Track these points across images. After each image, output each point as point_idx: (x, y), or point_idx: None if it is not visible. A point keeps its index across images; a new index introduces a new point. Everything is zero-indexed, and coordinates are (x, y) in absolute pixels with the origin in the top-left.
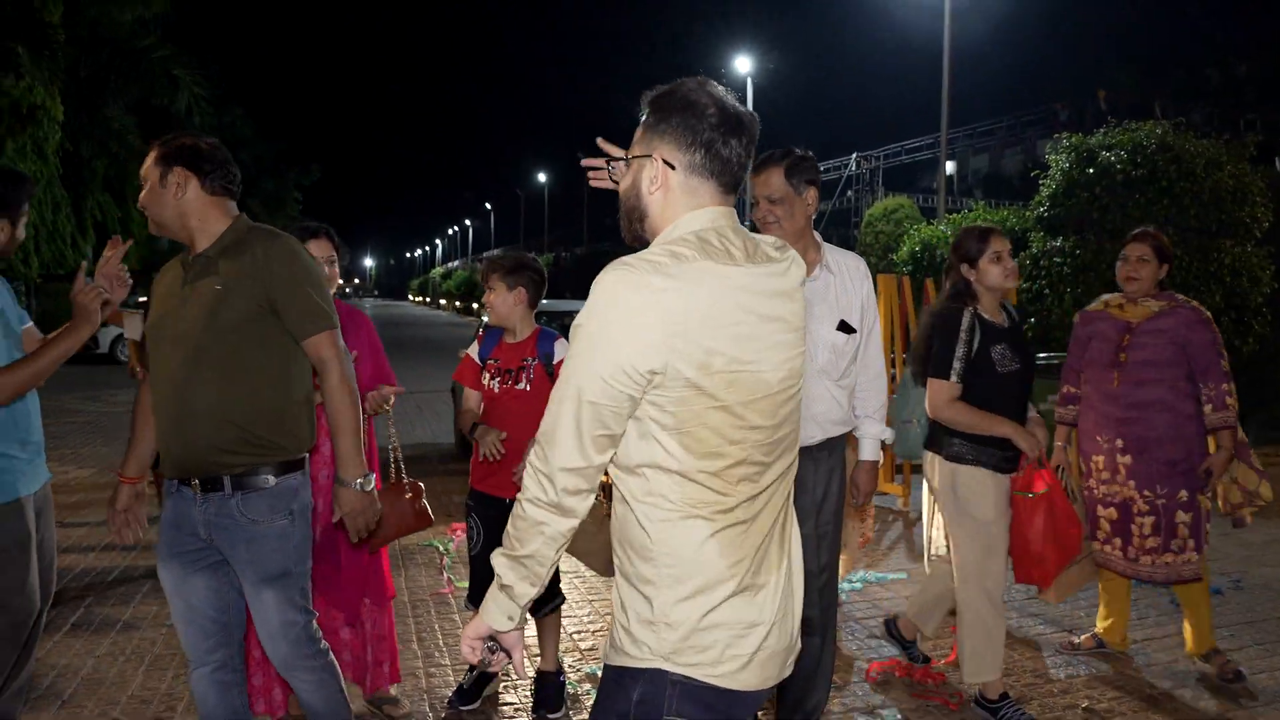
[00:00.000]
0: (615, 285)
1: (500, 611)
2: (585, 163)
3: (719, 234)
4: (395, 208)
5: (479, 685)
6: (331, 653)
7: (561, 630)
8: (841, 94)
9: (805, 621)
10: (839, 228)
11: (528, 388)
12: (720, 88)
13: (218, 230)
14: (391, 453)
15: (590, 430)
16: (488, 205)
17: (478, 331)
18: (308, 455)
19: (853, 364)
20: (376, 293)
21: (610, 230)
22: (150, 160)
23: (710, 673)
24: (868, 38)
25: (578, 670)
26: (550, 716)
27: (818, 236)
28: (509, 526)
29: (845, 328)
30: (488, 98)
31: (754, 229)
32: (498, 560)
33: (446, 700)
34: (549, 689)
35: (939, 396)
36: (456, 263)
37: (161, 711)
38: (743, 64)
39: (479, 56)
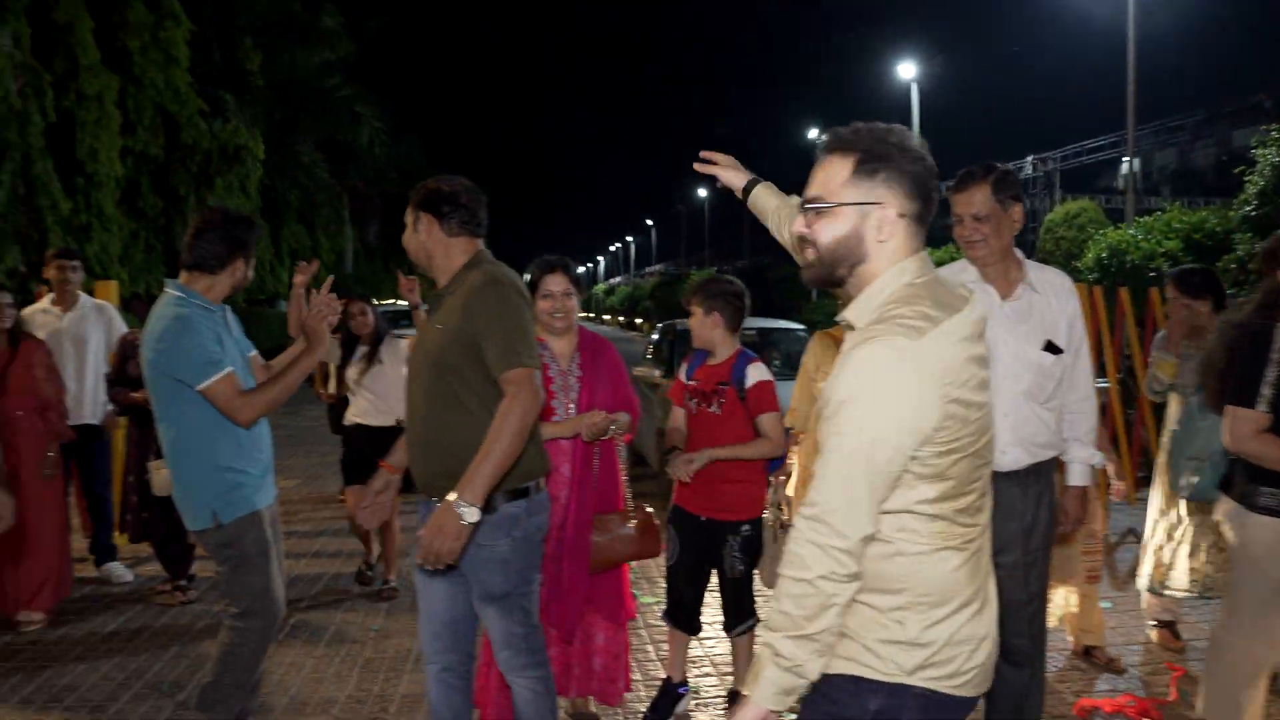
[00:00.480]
0: (884, 356)
1: (783, 692)
2: (705, 159)
3: (937, 282)
4: (560, 226)
5: (669, 703)
6: (548, 671)
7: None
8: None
9: (1013, 651)
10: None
11: (718, 411)
12: (910, 133)
13: (454, 268)
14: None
15: (879, 497)
16: (649, 221)
17: (646, 349)
18: (532, 485)
19: (1059, 386)
20: None
21: (770, 244)
22: (409, 206)
23: (949, 684)
24: (1039, 34)
25: None
26: None
27: (1019, 253)
28: (786, 607)
29: (1052, 348)
30: (650, 116)
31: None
32: (780, 643)
33: (642, 715)
34: None
35: (1242, 428)
36: (619, 278)
37: (376, 712)
38: (906, 70)
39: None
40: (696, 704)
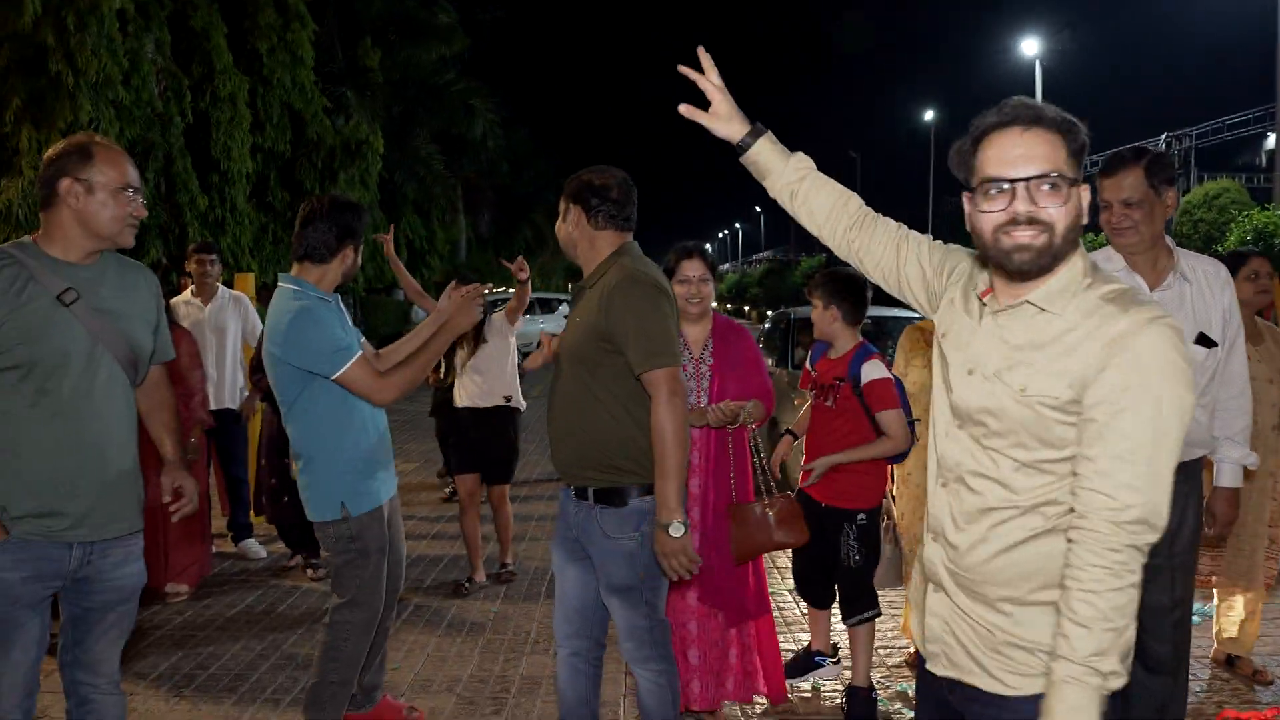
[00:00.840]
0: (1172, 337)
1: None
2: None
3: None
4: (666, 211)
5: (803, 667)
6: (671, 666)
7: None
8: (1145, 68)
9: (1154, 658)
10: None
11: (833, 405)
12: None
13: (596, 261)
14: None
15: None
16: (757, 208)
17: (759, 338)
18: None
19: (1212, 381)
20: None
21: None
22: (562, 195)
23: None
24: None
25: (887, 687)
26: None
27: (1170, 241)
28: (1116, 620)
29: (1205, 341)
30: (759, 99)
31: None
32: (1110, 663)
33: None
34: (860, 704)
35: None
36: (727, 265)
37: (498, 692)
38: (1030, 46)
39: (754, 59)
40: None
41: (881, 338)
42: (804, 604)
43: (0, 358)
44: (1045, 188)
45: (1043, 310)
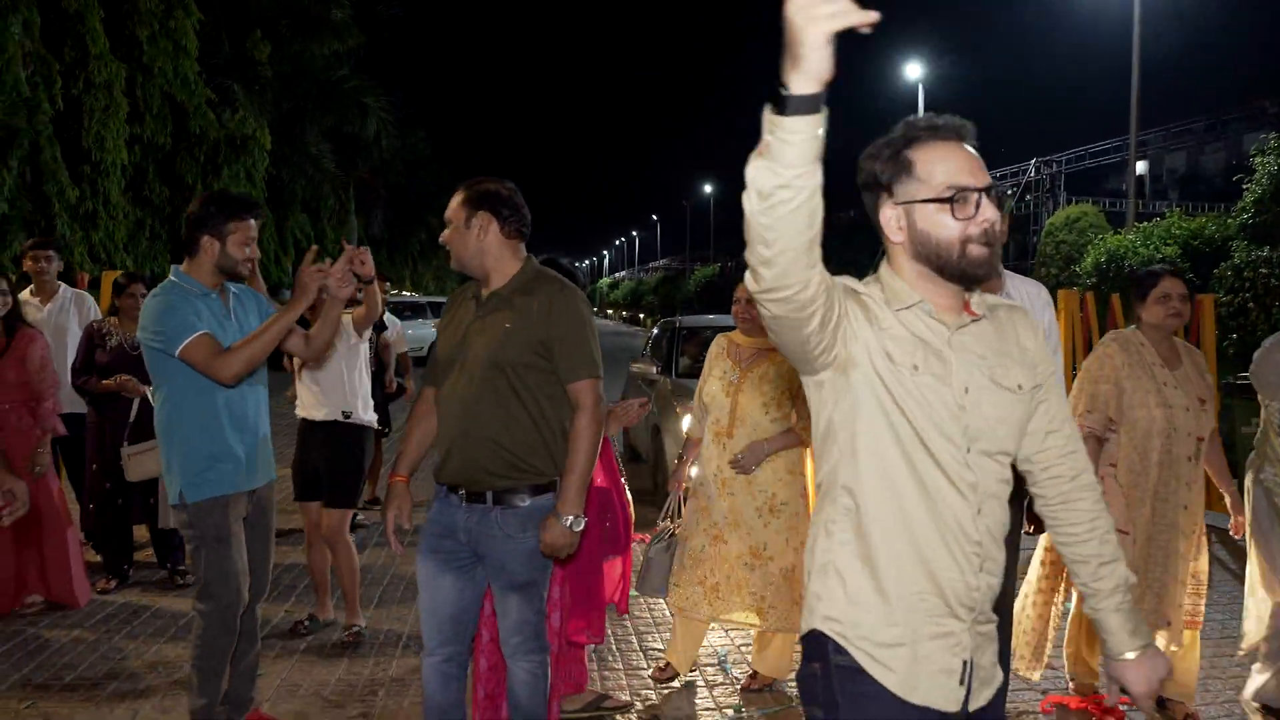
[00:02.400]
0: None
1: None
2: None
3: None
4: (564, 220)
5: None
6: (549, 657)
7: None
8: (1018, 97)
9: None
10: (1016, 234)
11: None
12: None
13: (511, 271)
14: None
15: None
16: (654, 216)
17: (645, 344)
18: (557, 479)
19: None
20: None
21: None
22: (457, 202)
23: None
24: (1047, 37)
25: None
26: None
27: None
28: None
29: None
30: (654, 110)
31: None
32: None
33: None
34: None
35: None
36: (623, 273)
37: (365, 694)
38: (913, 70)
39: (643, 72)
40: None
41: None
42: None
43: None
44: (994, 197)
45: (979, 318)
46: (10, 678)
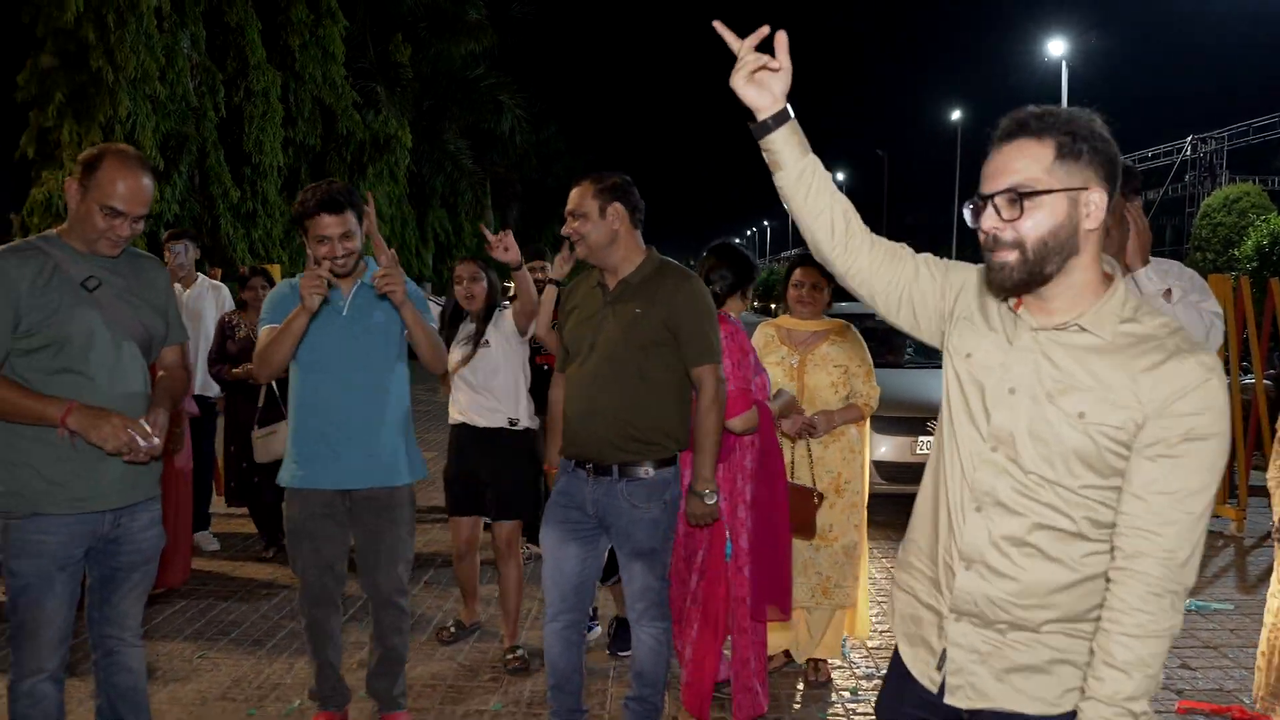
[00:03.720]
0: (1224, 387)
1: None
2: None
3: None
4: (695, 209)
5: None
6: (670, 627)
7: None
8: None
9: None
10: (1170, 217)
11: None
12: None
13: (637, 259)
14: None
15: None
16: (786, 205)
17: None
18: (678, 454)
19: None
20: None
21: (910, 229)
22: (587, 194)
23: None
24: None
25: (859, 667)
26: None
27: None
28: (1154, 666)
29: None
30: (790, 96)
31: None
32: (1140, 705)
33: None
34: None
35: None
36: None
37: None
38: (1056, 46)
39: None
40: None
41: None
42: None
43: (33, 338)
44: (1004, 202)
45: (1087, 332)
46: (185, 631)
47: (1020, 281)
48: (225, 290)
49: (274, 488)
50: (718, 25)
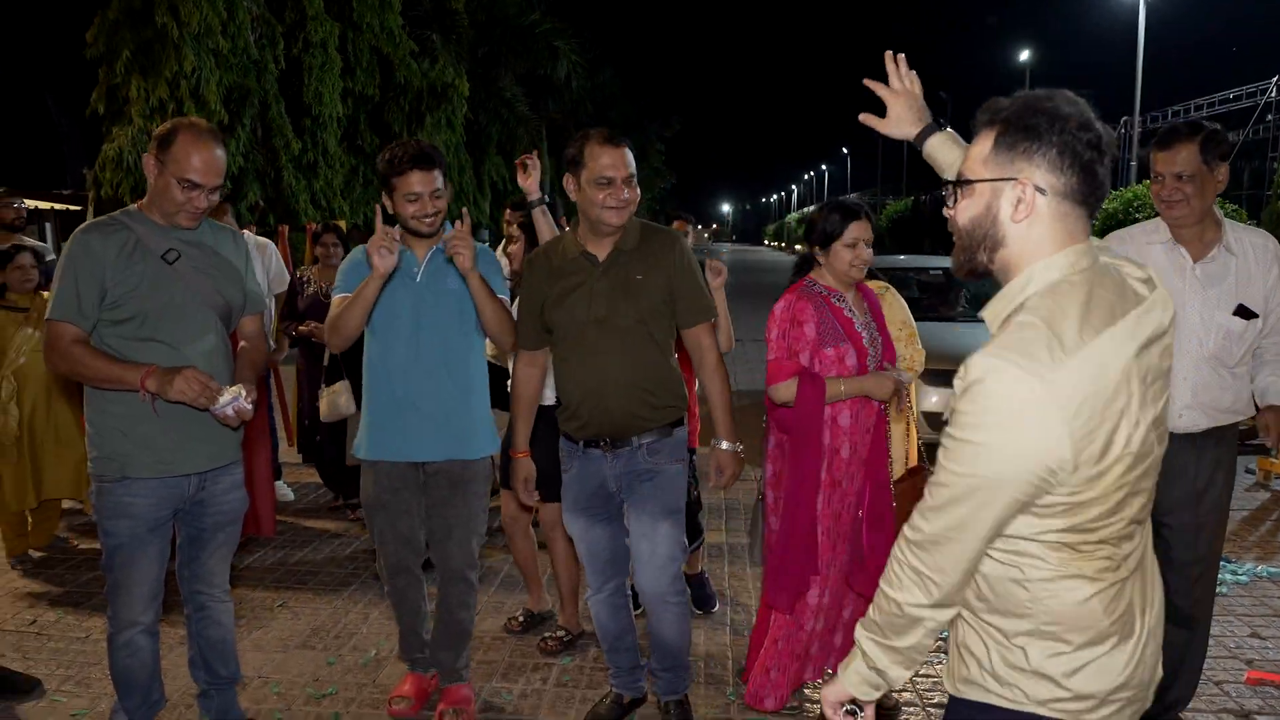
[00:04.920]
0: (1006, 391)
1: (867, 685)
2: (869, 83)
3: (1101, 276)
4: (753, 152)
5: None
6: (688, 598)
7: None
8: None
9: (1174, 610)
10: (1250, 161)
11: None
12: (1080, 100)
13: (627, 224)
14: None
15: (989, 537)
16: (844, 150)
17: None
18: (685, 413)
19: (1249, 351)
20: (734, 238)
21: None
22: (630, 157)
23: (1088, 719)
24: None
25: None
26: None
27: (1219, 214)
28: (877, 615)
29: (1244, 312)
30: (846, 40)
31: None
32: (866, 643)
33: None
34: (698, 585)
35: None
36: (812, 208)
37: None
38: None
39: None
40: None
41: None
42: None
43: (118, 310)
44: (951, 190)
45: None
46: (265, 580)
47: (959, 267)
48: (273, 247)
49: (335, 444)
50: (869, 83)
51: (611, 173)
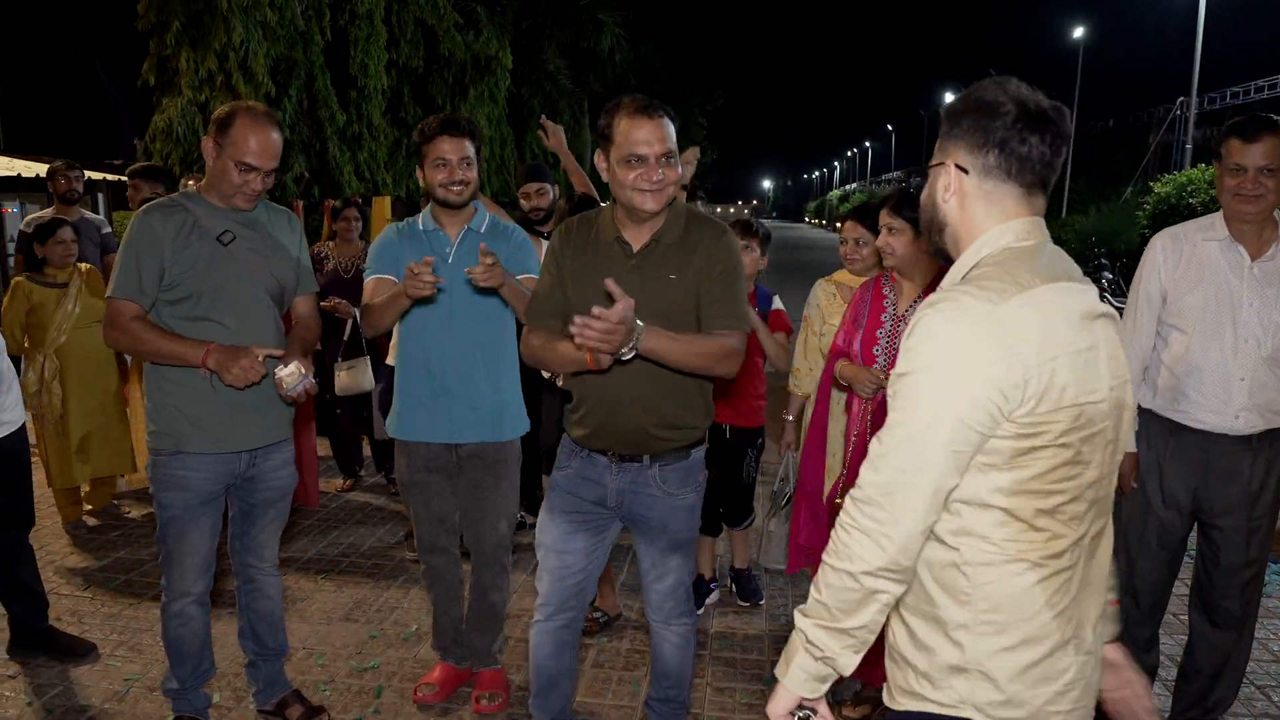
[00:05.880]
0: (949, 323)
1: (814, 679)
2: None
3: (1049, 251)
4: (795, 128)
5: (702, 596)
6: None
7: None
8: None
9: (1223, 613)
10: None
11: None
12: (1024, 85)
13: (666, 211)
14: None
15: (943, 483)
16: (889, 126)
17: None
18: (707, 431)
19: None
20: (774, 214)
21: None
22: (673, 133)
23: None
24: None
25: None
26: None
27: (1278, 213)
28: (822, 595)
29: None
30: (890, 16)
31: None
32: (812, 631)
33: None
34: (748, 580)
35: None
36: (854, 185)
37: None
38: None
39: None
40: None
41: None
42: None
43: (175, 289)
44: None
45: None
46: (306, 553)
47: (930, 251)
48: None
49: (352, 417)
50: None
51: (644, 149)
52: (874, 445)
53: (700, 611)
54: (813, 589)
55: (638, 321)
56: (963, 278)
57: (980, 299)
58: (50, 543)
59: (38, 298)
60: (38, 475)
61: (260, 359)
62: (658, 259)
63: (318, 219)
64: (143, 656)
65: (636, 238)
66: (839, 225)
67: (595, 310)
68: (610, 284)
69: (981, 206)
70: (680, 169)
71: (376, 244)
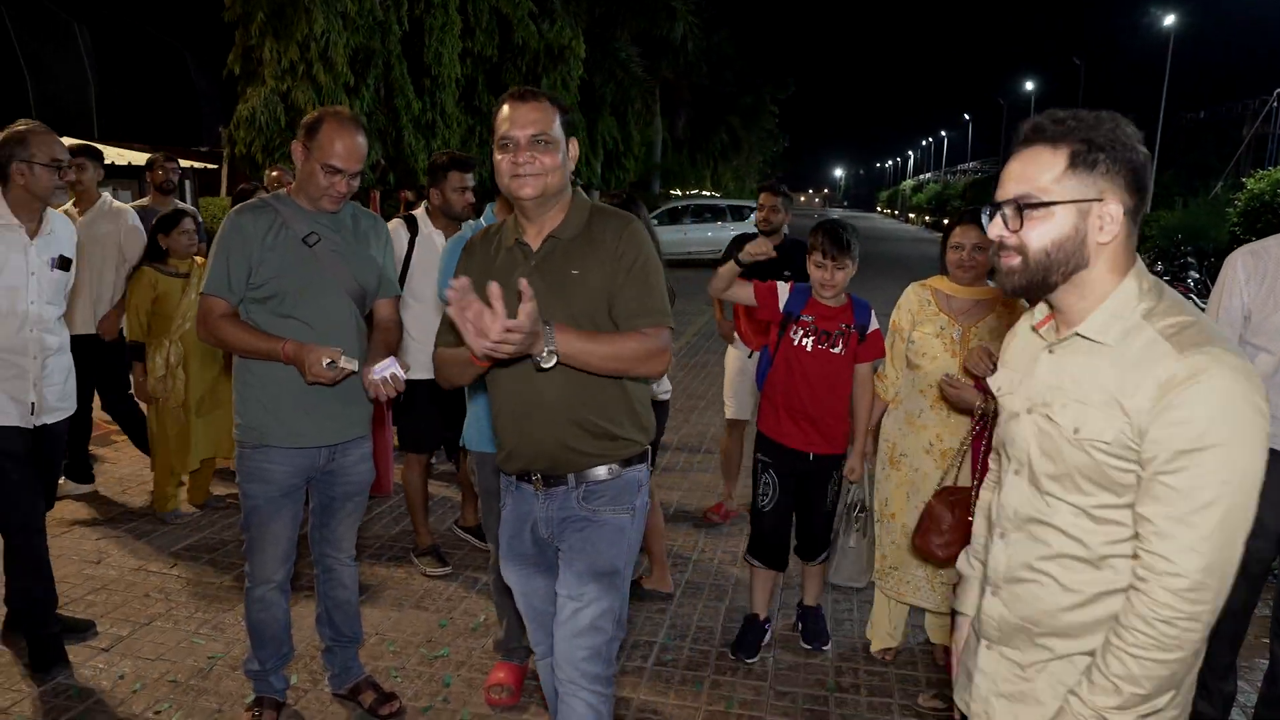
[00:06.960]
0: (1238, 385)
1: None
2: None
3: (1174, 295)
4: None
5: (756, 639)
6: (612, 693)
7: None
8: None
9: None
10: None
11: (842, 351)
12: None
13: (566, 207)
14: None
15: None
16: (965, 116)
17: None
18: (648, 450)
19: None
20: (845, 204)
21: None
22: (555, 117)
23: None
24: None
25: None
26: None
27: None
28: (1146, 687)
29: None
30: (969, 2)
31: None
32: (1120, 717)
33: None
34: (816, 619)
35: None
36: (929, 175)
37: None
38: None
39: None
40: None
41: None
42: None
43: (260, 289)
44: (1010, 211)
45: (1094, 342)
46: (381, 540)
47: (1021, 287)
48: (130, 213)
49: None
50: None
51: (515, 131)
52: (1178, 528)
53: (753, 660)
54: (1118, 682)
55: (543, 323)
56: (1135, 324)
57: (1236, 352)
58: (140, 525)
59: (163, 287)
60: (132, 456)
61: (326, 363)
62: (559, 257)
63: (393, 205)
64: (225, 635)
65: (534, 237)
66: (910, 216)
67: (485, 316)
68: (523, 284)
69: (1123, 248)
70: (560, 157)
71: (445, 259)
